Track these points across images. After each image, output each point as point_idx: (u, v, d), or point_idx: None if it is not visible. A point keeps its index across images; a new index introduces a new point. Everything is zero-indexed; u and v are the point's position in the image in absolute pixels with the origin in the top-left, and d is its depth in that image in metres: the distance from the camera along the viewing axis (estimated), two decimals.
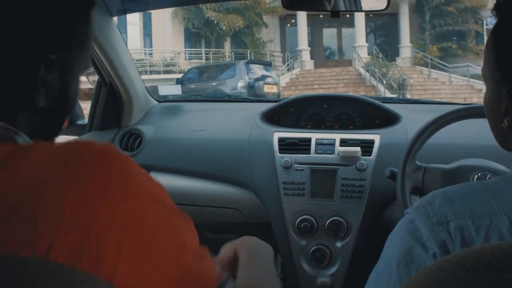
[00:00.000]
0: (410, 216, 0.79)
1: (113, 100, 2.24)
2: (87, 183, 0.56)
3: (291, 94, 19.26)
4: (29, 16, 0.65)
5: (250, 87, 16.41)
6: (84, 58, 0.78)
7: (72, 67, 0.75)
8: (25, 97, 0.68)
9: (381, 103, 2.15)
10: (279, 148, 1.99)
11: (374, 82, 21.42)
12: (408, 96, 17.82)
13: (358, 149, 1.90)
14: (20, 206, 0.53)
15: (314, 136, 2.02)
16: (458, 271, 0.45)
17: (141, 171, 0.64)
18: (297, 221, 1.88)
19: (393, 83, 20.99)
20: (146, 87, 2.43)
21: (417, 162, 1.61)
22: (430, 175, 1.59)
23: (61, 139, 2.18)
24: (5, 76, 0.65)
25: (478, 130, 1.64)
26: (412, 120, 2.01)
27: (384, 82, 20.83)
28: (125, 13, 2.21)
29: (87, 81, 2.28)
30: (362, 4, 1.72)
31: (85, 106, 2.35)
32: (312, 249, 1.89)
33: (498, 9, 0.83)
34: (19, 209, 0.53)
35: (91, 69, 2.13)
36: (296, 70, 25.10)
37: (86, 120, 2.27)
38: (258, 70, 17.41)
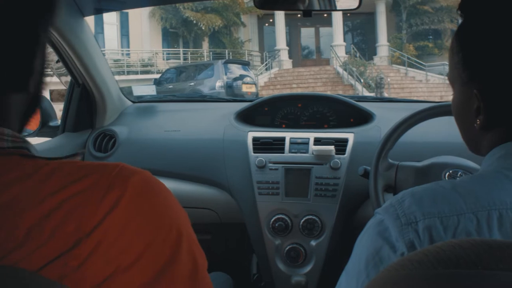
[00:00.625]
0: (380, 216, 0.78)
1: (86, 101, 2.21)
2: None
3: (269, 93, 19.27)
4: None
5: (229, 86, 16.38)
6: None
7: (45, 48, 0.72)
8: (20, 81, 0.65)
9: (355, 102, 2.16)
10: (253, 148, 1.99)
11: (352, 81, 21.53)
12: (386, 95, 17.95)
13: (332, 147, 1.91)
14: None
15: (288, 135, 2.02)
16: (419, 268, 0.46)
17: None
18: (272, 220, 1.88)
19: (370, 82, 21.11)
20: (120, 88, 2.40)
21: (390, 160, 1.62)
22: (403, 173, 1.60)
23: (34, 140, 2.15)
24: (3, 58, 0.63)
25: (450, 128, 1.65)
26: (385, 119, 2.03)
27: (362, 81, 20.95)
28: (97, 13, 2.18)
29: (60, 82, 2.25)
30: (334, 4, 1.73)
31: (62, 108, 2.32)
32: (287, 248, 1.89)
33: (462, 9, 0.83)
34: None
35: (64, 70, 2.11)
36: (275, 70, 25.13)
37: (59, 122, 2.24)
38: (236, 70, 17.38)
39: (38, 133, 2.13)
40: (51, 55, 2.05)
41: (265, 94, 19.07)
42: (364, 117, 2.11)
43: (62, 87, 2.27)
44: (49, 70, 2.28)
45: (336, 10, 1.79)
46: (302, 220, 1.87)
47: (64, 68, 2.09)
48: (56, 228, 0.54)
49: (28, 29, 0.64)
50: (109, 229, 0.56)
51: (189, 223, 0.68)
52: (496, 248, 0.44)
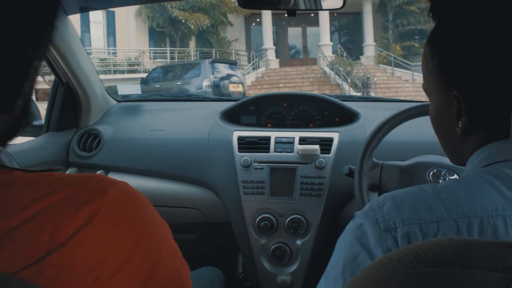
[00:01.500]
0: (359, 220, 0.77)
1: (70, 100, 2.20)
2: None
3: (256, 92, 19.21)
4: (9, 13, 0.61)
5: (216, 86, 16.35)
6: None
7: (38, 71, 0.72)
8: (7, 103, 0.64)
9: (340, 101, 2.17)
10: (238, 147, 1.99)
11: (339, 81, 21.60)
12: (373, 94, 18.03)
13: (317, 147, 1.91)
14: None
15: (274, 134, 2.02)
16: (399, 267, 0.45)
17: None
18: (257, 219, 1.88)
19: (357, 81, 21.19)
20: (105, 87, 2.39)
21: (374, 160, 1.63)
22: (387, 172, 1.61)
23: (17, 140, 2.13)
24: None
25: None
26: (370, 118, 2.03)
27: (349, 80, 21.03)
28: (82, 12, 2.17)
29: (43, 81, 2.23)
30: (319, 3, 1.73)
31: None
32: (273, 247, 1.89)
33: (433, 11, 0.83)
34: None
35: (47, 69, 2.09)
36: (262, 69, 25.14)
37: (43, 121, 2.22)
38: (223, 69, 17.35)
39: (21, 132, 2.11)
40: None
41: (252, 93, 19.06)
42: (349, 117, 2.12)
43: (47, 86, 2.25)
44: None
45: (320, 9, 1.79)
46: (288, 220, 1.87)
47: (47, 67, 2.07)
48: (30, 237, 0.54)
49: (20, 50, 0.62)
50: (86, 240, 0.56)
51: (170, 234, 0.68)
52: (475, 247, 0.44)
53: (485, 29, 0.75)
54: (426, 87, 0.89)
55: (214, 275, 1.73)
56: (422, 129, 1.87)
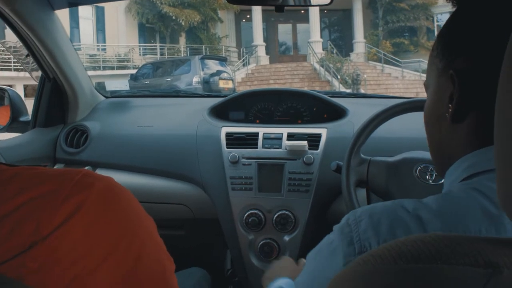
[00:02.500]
0: (334, 237, 0.74)
1: (57, 96, 2.19)
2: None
3: (246, 89, 19.26)
4: None
5: (206, 82, 16.33)
6: None
7: None
8: None
9: (328, 98, 2.17)
10: (226, 143, 1.98)
11: (329, 77, 21.65)
12: (362, 91, 18.08)
13: (305, 143, 1.91)
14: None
15: (262, 130, 2.02)
16: (381, 263, 0.46)
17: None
18: (245, 215, 1.88)
19: (347, 78, 21.26)
20: (94, 83, 2.38)
21: (362, 156, 1.63)
22: (375, 168, 1.61)
23: (4, 136, 2.11)
24: None
25: (423, 124, 1.66)
26: (359, 114, 2.03)
27: (339, 77, 21.07)
28: (69, 7, 2.15)
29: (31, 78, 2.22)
30: None
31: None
32: (261, 243, 1.89)
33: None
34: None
35: (35, 65, 2.08)
36: (252, 66, 25.11)
37: (29, 117, 2.21)
38: (213, 66, 17.34)
39: (8, 128, 2.10)
40: (22, 50, 2.02)
41: (243, 89, 19.02)
42: (337, 113, 2.12)
43: (36, 82, 2.24)
44: (21, 65, 2.24)
45: (309, 5, 1.79)
46: (276, 216, 1.87)
47: (35, 63, 2.06)
48: (13, 229, 0.54)
49: None
50: (69, 233, 0.56)
51: (154, 228, 0.68)
52: (457, 243, 0.44)
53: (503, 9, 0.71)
54: (426, 81, 0.86)
55: (201, 276, 1.73)
56: (410, 125, 1.88)
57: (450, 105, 0.76)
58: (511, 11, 0.70)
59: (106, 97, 2.48)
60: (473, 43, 0.74)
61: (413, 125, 1.88)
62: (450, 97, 0.76)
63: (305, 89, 2.31)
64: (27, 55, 2.01)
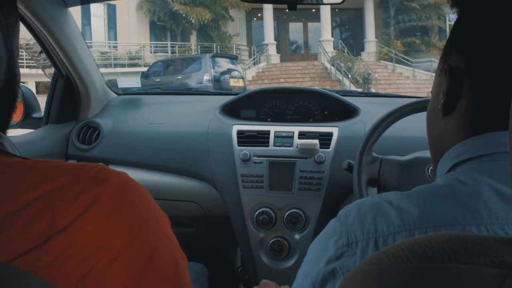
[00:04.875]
0: (327, 230, 0.80)
1: (70, 93, 2.19)
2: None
3: (257, 87, 19.29)
4: None
5: (216, 80, 16.36)
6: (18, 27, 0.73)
7: (16, 34, 0.71)
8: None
9: (340, 96, 2.16)
10: (237, 141, 1.99)
11: (340, 76, 21.59)
12: (373, 90, 18.03)
13: (316, 141, 1.91)
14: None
15: (273, 128, 2.02)
16: (395, 262, 0.46)
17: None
18: (256, 213, 1.88)
19: (358, 77, 21.20)
20: (105, 80, 2.39)
21: (374, 154, 1.62)
22: (386, 167, 1.60)
23: (17, 132, 2.12)
24: None
25: None
26: (370, 113, 2.03)
27: (350, 76, 21.02)
28: (82, 4, 2.16)
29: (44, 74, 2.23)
30: None
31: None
32: (271, 241, 1.89)
33: (457, 3, 0.80)
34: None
35: (47, 62, 2.09)
36: (262, 64, 25.10)
37: (42, 113, 2.22)
38: (224, 64, 17.36)
39: (21, 124, 2.11)
40: (35, 47, 2.03)
41: (253, 88, 19.06)
42: (349, 112, 2.12)
43: (49, 80, 2.25)
44: (34, 61, 2.26)
45: (321, 4, 1.79)
46: (286, 214, 1.87)
47: (48, 60, 2.07)
48: (29, 223, 0.54)
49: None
50: (84, 227, 0.56)
51: (168, 225, 0.68)
52: (472, 242, 0.44)
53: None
54: (433, 86, 0.87)
55: (199, 270, 1.74)
56: (421, 124, 1.87)
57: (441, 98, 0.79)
58: (507, 13, 0.71)
59: (118, 94, 2.49)
60: (467, 40, 0.76)
61: (424, 124, 1.87)
62: (443, 93, 0.78)
63: (316, 87, 2.30)
64: (40, 52, 2.02)
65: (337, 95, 2.18)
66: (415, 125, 1.86)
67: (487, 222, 0.66)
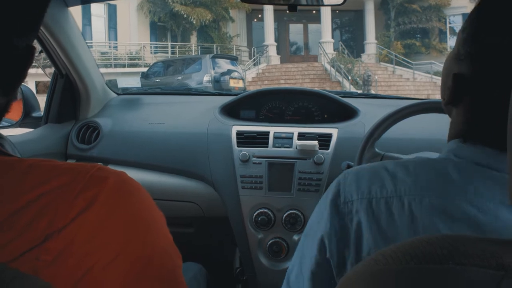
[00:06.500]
0: (328, 190, 0.85)
1: (69, 92, 2.20)
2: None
3: (257, 88, 19.29)
4: None
5: (216, 81, 16.37)
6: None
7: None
8: (11, 87, 0.66)
9: (340, 98, 2.17)
10: (237, 142, 1.99)
11: (340, 78, 21.61)
12: (373, 92, 18.03)
13: (315, 142, 1.91)
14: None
15: (273, 129, 2.02)
16: (392, 263, 0.46)
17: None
18: (255, 214, 1.89)
19: (358, 79, 21.21)
20: (105, 80, 2.39)
21: (376, 150, 1.61)
22: None
23: (16, 131, 2.12)
24: None
25: (437, 125, 1.66)
26: (370, 115, 2.03)
27: (350, 78, 21.03)
28: (82, 3, 2.17)
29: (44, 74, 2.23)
30: None
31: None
32: (270, 242, 1.90)
33: None
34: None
35: (48, 62, 2.09)
36: (263, 65, 25.12)
37: (42, 113, 2.22)
38: (224, 65, 17.37)
39: (20, 123, 2.12)
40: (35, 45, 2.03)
41: (253, 89, 19.07)
42: (348, 113, 2.12)
43: (49, 79, 2.25)
44: (34, 61, 2.26)
45: (322, 5, 1.79)
46: (285, 215, 1.87)
47: (48, 60, 2.07)
48: (29, 223, 0.54)
49: (22, 37, 0.64)
50: (83, 226, 0.56)
51: (165, 224, 0.68)
52: (468, 244, 0.44)
53: None
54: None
55: (197, 270, 1.74)
56: (422, 126, 1.88)
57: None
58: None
59: (118, 94, 2.49)
60: (475, 51, 0.77)
61: (425, 126, 1.88)
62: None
63: (316, 89, 2.31)
64: (40, 51, 2.03)
65: (336, 96, 2.18)
66: (419, 127, 1.86)
67: (473, 198, 0.70)
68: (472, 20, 0.79)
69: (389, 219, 0.72)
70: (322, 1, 1.76)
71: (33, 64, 0.70)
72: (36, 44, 1.96)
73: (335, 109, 2.15)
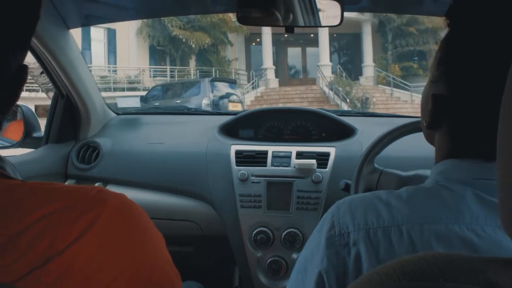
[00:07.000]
0: (321, 223, 0.84)
1: (70, 113, 2.21)
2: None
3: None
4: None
5: (215, 104, 16.42)
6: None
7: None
8: (8, 106, 0.68)
9: (337, 116, 2.18)
10: (236, 161, 2.00)
11: (338, 101, 21.69)
12: None
13: (313, 161, 1.92)
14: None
15: (271, 149, 2.03)
16: (386, 281, 0.47)
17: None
18: (254, 233, 1.89)
19: (356, 101, 21.29)
20: (105, 100, 2.41)
21: (376, 165, 1.62)
22: (386, 179, 1.59)
23: (17, 151, 2.13)
24: None
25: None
26: (367, 133, 2.04)
27: (348, 100, 21.12)
28: (82, 26, 2.19)
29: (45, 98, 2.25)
30: (317, 20, 1.76)
31: None
32: (269, 261, 1.90)
33: (450, 16, 0.82)
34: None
35: (50, 85, 2.11)
36: (261, 88, 25.22)
37: (42, 133, 2.24)
38: (223, 88, 17.43)
39: (21, 144, 2.12)
40: (34, 70, 2.05)
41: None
42: (346, 132, 2.13)
43: (48, 103, 2.27)
44: (34, 81, 2.28)
45: (318, 26, 1.81)
46: (284, 233, 1.88)
47: (50, 83, 2.09)
48: (31, 244, 0.55)
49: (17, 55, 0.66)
50: (84, 248, 0.57)
51: (164, 245, 0.69)
52: (459, 262, 0.45)
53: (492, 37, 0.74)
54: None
55: None
56: (421, 144, 1.88)
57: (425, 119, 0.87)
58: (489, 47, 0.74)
59: (118, 114, 2.51)
60: (450, 72, 0.81)
61: (423, 144, 1.88)
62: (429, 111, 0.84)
63: (314, 107, 2.32)
64: (41, 73, 2.05)
65: (334, 115, 2.19)
66: (418, 145, 1.87)
67: (469, 222, 0.71)
68: (443, 48, 0.84)
69: (388, 248, 0.72)
70: (319, 22, 1.79)
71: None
72: (37, 65, 1.99)
73: (332, 128, 2.17)
